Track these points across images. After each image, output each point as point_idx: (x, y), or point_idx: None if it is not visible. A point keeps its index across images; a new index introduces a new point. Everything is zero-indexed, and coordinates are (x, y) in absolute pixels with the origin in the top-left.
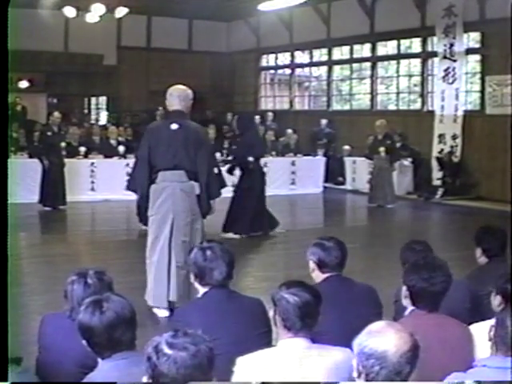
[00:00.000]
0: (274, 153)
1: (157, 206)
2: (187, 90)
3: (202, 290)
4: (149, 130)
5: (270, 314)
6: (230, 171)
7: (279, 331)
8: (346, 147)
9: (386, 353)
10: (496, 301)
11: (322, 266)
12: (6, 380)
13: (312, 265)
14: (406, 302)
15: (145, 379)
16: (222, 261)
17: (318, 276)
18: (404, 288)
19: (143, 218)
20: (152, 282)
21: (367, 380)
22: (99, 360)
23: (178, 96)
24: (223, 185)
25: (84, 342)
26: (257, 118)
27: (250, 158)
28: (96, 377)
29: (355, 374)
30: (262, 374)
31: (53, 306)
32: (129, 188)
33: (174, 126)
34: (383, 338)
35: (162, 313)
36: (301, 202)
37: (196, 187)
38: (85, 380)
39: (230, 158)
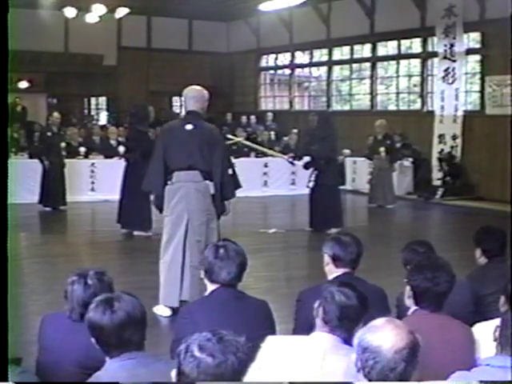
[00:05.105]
0: None
1: (171, 207)
2: (202, 91)
3: (210, 287)
4: (163, 131)
5: (316, 304)
6: (307, 167)
7: (317, 322)
8: (346, 151)
9: (380, 347)
10: (501, 301)
11: (336, 260)
12: (6, 380)
13: (327, 259)
14: (409, 301)
15: (173, 373)
16: (232, 261)
17: (331, 271)
18: (407, 288)
19: (124, 221)
20: (164, 281)
21: (365, 375)
22: (107, 359)
23: (192, 97)
24: (238, 186)
25: (93, 339)
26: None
27: (339, 157)
28: (102, 376)
29: (355, 369)
30: (285, 357)
31: (53, 306)
32: (144, 188)
33: (189, 127)
34: (380, 333)
35: (165, 312)
36: (301, 202)
37: (211, 187)
38: (91, 379)
39: (307, 156)
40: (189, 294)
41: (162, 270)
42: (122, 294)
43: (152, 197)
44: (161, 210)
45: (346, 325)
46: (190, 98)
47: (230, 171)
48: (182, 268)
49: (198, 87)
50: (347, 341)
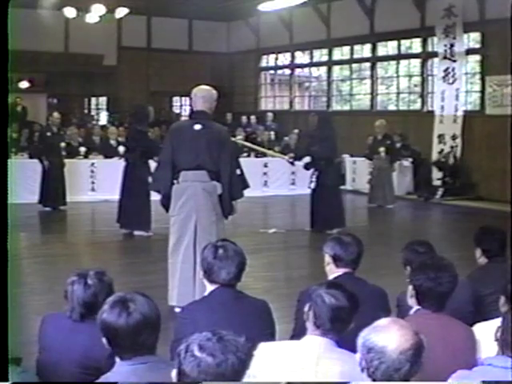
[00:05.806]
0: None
1: (179, 206)
2: (211, 91)
3: (209, 287)
4: (172, 130)
5: (305, 308)
6: (307, 167)
7: (308, 326)
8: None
9: (385, 348)
10: (501, 301)
11: (337, 260)
12: (6, 380)
13: (327, 259)
14: (411, 301)
15: (174, 373)
16: (231, 261)
17: (331, 270)
18: (410, 287)
19: (123, 221)
20: (177, 281)
21: (369, 375)
22: (117, 360)
23: (202, 97)
24: (245, 186)
25: (104, 340)
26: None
27: (337, 159)
28: (113, 378)
29: (359, 369)
30: (278, 363)
31: (53, 306)
32: (152, 188)
33: (198, 127)
34: (385, 334)
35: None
36: (301, 202)
37: (218, 187)
38: (101, 379)
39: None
40: (200, 295)
41: (174, 271)
42: (136, 295)
43: (155, 195)
44: (167, 209)
45: (337, 327)
46: (199, 98)
47: (238, 171)
48: (194, 268)
49: (207, 87)
50: (338, 342)
